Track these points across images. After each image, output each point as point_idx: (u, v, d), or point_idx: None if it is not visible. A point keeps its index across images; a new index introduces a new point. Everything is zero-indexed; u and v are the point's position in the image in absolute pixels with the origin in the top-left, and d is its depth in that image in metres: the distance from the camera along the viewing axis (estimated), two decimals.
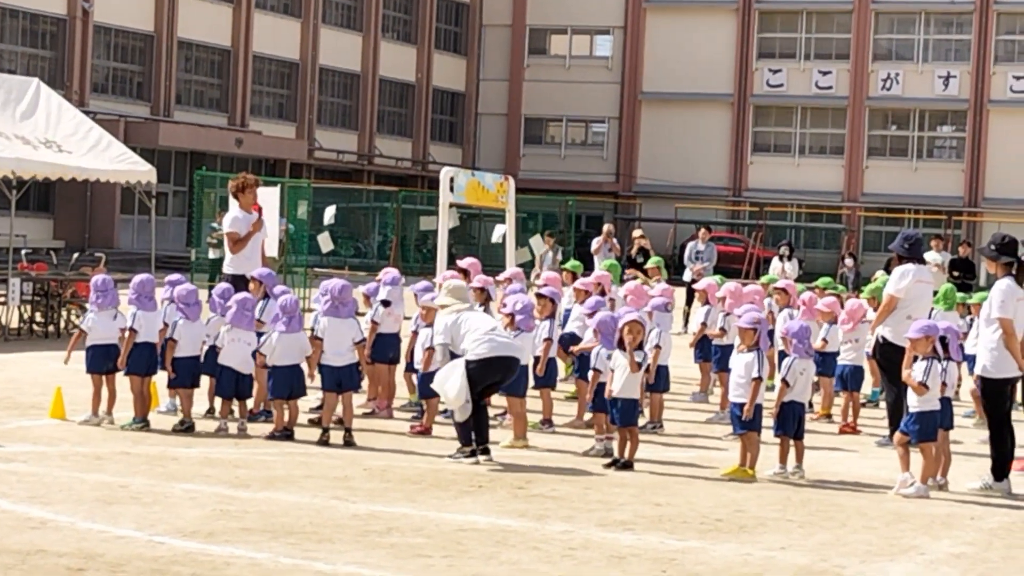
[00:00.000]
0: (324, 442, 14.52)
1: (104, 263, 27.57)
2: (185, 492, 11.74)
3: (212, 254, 32.95)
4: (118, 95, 57.25)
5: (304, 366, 14.90)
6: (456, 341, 14.09)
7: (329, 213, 35.96)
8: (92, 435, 14.58)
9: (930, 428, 13.18)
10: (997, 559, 10.66)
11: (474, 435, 13.96)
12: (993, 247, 14.13)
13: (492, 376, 13.94)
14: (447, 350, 14.19)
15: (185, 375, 15.13)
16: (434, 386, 14.20)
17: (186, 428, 14.94)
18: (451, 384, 13.75)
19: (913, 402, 13.23)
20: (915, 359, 13.32)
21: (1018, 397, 14.97)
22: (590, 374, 14.57)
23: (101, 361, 15.21)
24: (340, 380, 14.76)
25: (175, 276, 16.01)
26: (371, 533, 10.50)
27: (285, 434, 14.73)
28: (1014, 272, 13.98)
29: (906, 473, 13.16)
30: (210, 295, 16.43)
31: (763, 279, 22.59)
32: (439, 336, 14.30)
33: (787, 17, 71.01)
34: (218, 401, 15.45)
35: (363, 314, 16.65)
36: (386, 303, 16.87)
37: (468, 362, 13.79)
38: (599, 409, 14.50)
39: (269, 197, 24.61)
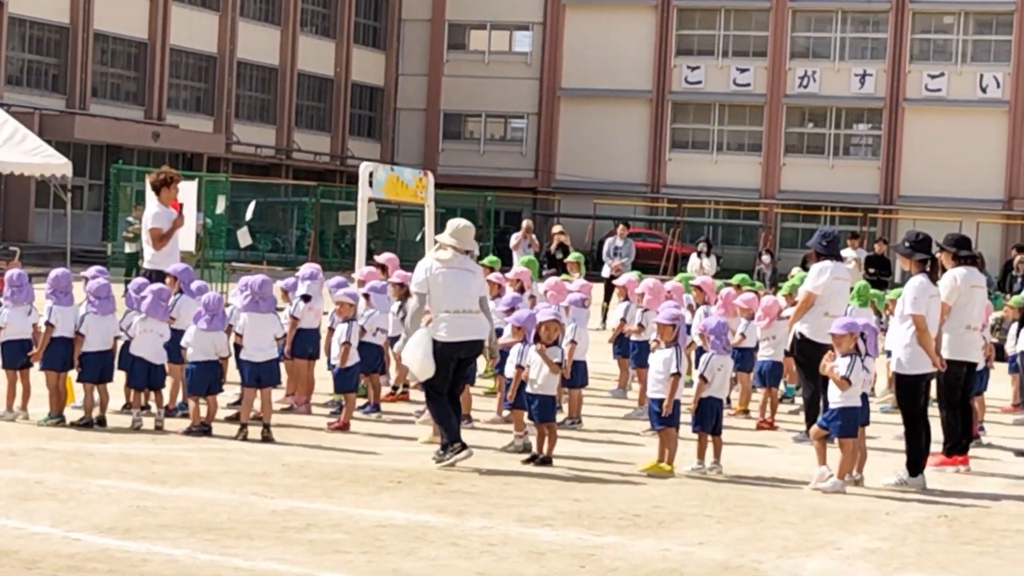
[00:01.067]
0: (242, 438, 14.45)
1: (18, 257, 27.31)
2: (101, 488, 11.64)
3: (128, 248, 32.76)
4: (33, 87, 56.72)
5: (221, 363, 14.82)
6: (431, 298, 13.51)
7: (250, 209, 35.80)
8: (7, 431, 14.43)
9: (851, 424, 13.28)
10: (912, 554, 10.76)
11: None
12: (907, 244, 14.26)
13: (457, 353, 13.58)
14: (421, 300, 13.61)
15: (93, 370, 14.95)
16: (402, 352, 13.76)
17: (85, 424, 14.78)
18: (415, 357, 13.42)
19: (835, 398, 13.33)
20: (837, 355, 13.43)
21: (932, 393, 15.09)
22: (512, 371, 14.55)
23: (16, 356, 15.06)
24: (259, 376, 14.70)
25: (93, 270, 15.85)
26: (289, 529, 10.45)
27: (202, 430, 14.64)
28: (928, 269, 14.12)
29: (823, 467, 13.26)
30: (126, 290, 16.30)
31: (680, 276, 22.69)
32: (419, 286, 13.59)
33: (705, 15, 71.35)
34: (131, 394, 15.34)
35: (282, 309, 16.58)
36: (306, 298, 16.80)
37: (435, 340, 13.41)
38: (518, 406, 14.50)
39: (187, 192, 24.44)
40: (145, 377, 14.99)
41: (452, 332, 13.45)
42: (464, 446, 13.41)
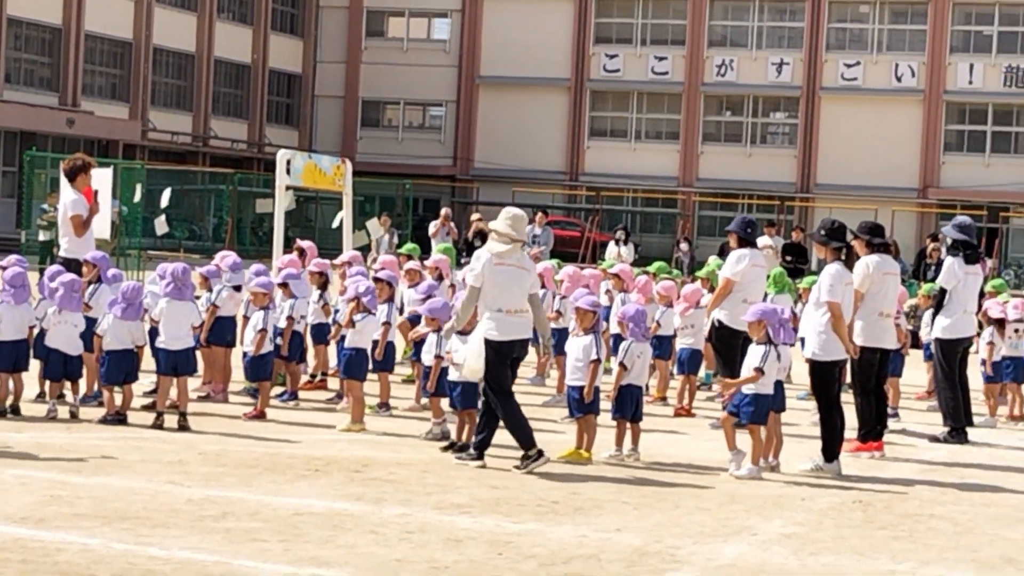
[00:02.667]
0: (158, 426, 14.35)
1: None
2: (15, 478, 11.52)
3: (42, 236, 32.44)
4: None
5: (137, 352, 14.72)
6: (484, 293, 13.06)
7: (165, 196, 35.52)
8: None
9: (763, 411, 13.37)
10: (827, 539, 10.84)
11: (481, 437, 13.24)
12: (823, 232, 14.37)
13: (512, 353, 13.18)
14: (472, 297, 13.15)
15: (7, 359, 14.79)
16: (455, 352, 13.39)
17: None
18: (467, 357, 13.09)
19: (748, 384, 13.41)
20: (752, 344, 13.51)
21: (847, 380, 15.23)
22: (430, 359, 14.55)
23: None
24: (176, 364, 14.61)
25: (13, 258, 15.67)
26: (206, 518, 10.39)
27: (118, 418, 14.54)
28: (843, 257, 14.23)
29: (735, 450, 13.34)
30: (40, 278, 16.15)
31: (601, 264, 22.74)
32: (475, 279, 13.12)
33: (624, 3, 71.50)
34: (47, 384, 15.21)
35: (199, 297, 16.47)
36: (238, 288, 16.74)
37: (487, 340, 13.01)
38: (437, 393, 14.50)
39: (102, 179, 24.23)
40: (61, 368, 14.85)
41: (505, 331, 13.00)
42: (541, 453, 12.93)
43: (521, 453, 13.01)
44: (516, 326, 13.06)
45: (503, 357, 13.02)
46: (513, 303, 13.04)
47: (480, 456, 13.15)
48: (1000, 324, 18.64)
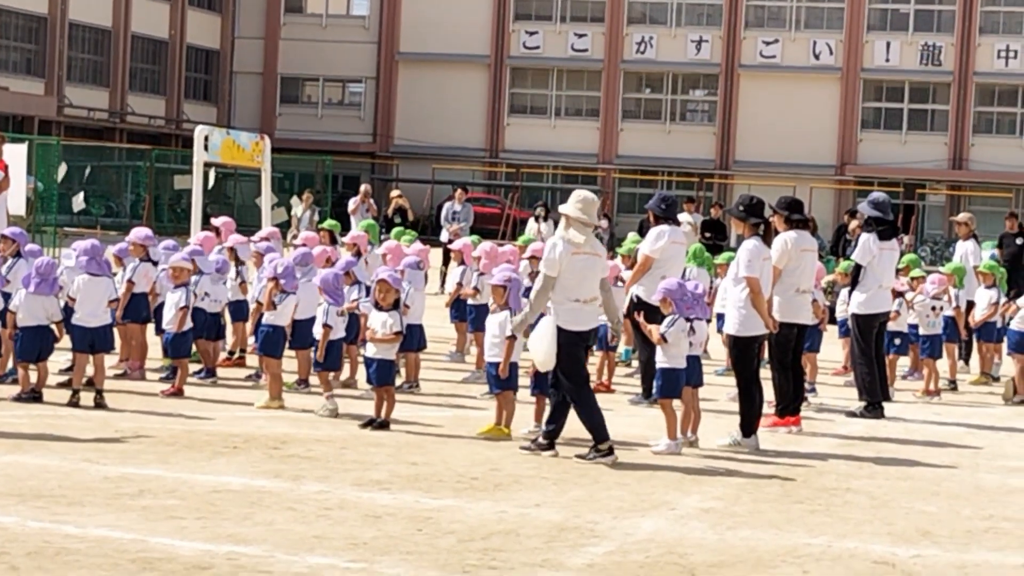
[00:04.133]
0: (74, 404, 14.23)
1: None
2: None
3: None
4: None
5: (54, 328, 14.58)
6: (560, 282, 12.69)
7: (61, 171, 35.02)
8: None
9: (673, 385, 13.40)
10: (744, 513, 10.90)
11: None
12: (741, 208, 14.42)
13: (584, 341, 12.92)
14: (548, 286, 12.72)
15: None
16: (529, 341, 12.97)
17: None
18: (541, 347, 12.71)
19: (660, 358, 13.46)
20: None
21: (765, 355, 15.32)
22: (319, 331, 14.57)
23: None
24: (93, 341, 14.48)
25: None
26: (123, 496, 10.32)
27: (33, 396, 14.40)
28: (761, 233, 14.30)
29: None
30: None
31: (520, 240, 22.73)
32: (550, 267, 12.71)
33: None
34: None
35: (116, 274, 16.33)
36: (155, 263, 16.66)
37: (561, 329, 12.65)
38: (327, 367, 14.53)
39: (16, 155, 24.00)
40: None
41: (580, 321, 12.73)
42: (612, 450, 12.62)
43: (591, 444, 12.76)
44: (590, 315, 12.85)
45: (577, 346, 12.76)
46: (589, 293, 12.79)
47: (551, 445, 12.88)
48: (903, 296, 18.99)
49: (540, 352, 12.74)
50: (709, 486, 11.94)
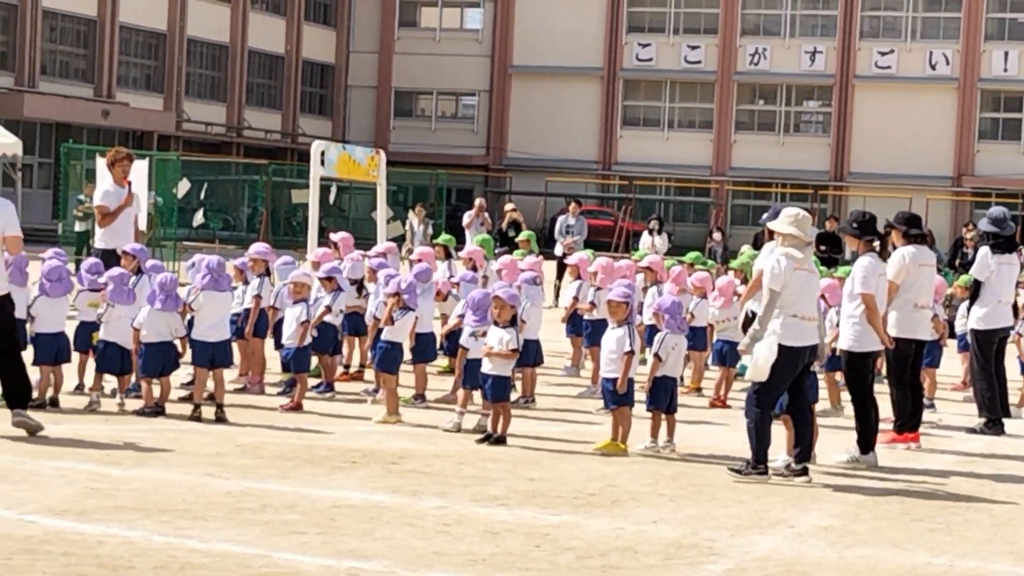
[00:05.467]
0: (196, 418, 14.43)
1: None
2: (55, 470, 11.60)
3: (79, 227, 32.57)
4: None
5: (177, 343, 14.79)
6: (782, 297, 12.56)
7: (182, 188, 35.50)
8: None
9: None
10: (864, 531, 10.85)
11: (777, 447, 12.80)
12: (854, 225, 14.36)
13: (802, 360, 12.74)
14: (774, 301, 12.61)
15: (47, 351, 14.87)
16: (753, 352, 12.74)
17: (38, 405, 14.72)
18: (761, 359, 12.57)
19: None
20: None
21: (882, 371, 15.23)
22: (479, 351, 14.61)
23: None
24: (213, 356, 14.66)
25: (51, 251, 15.75)
26: (244, 510, 10.45)
27: (156, 410, 14.62)
28: (875, 248, 14.23)
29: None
30: (77, 269, 16.24)
31: (635, 255, 22.73)
32: (775, 281, 12.61)
33: None
34: (89, 376, 15.30)
35: (235, 288, 16.53)
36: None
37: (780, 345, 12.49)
38: (470, 386, 14.54)
39: (138, 170, 24.35)
40: (118, 361, 14.90)
41: (800, 337, 12.61)
42: (765, 471, 12.58)
43: (747, 461, 12.73)
44: (809, 332, 12.76)
45: (794, 364, 12.67)
46: (808, 309, 12.74)
47: (805, 471, 12.75)
48: None
49: (758, 364, 12.62)
50: (828, 503, 11.88)
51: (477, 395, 14.59)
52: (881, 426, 14.37)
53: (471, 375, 14.41)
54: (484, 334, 14.30)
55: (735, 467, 12.73)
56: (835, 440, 14.57)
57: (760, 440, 12.62)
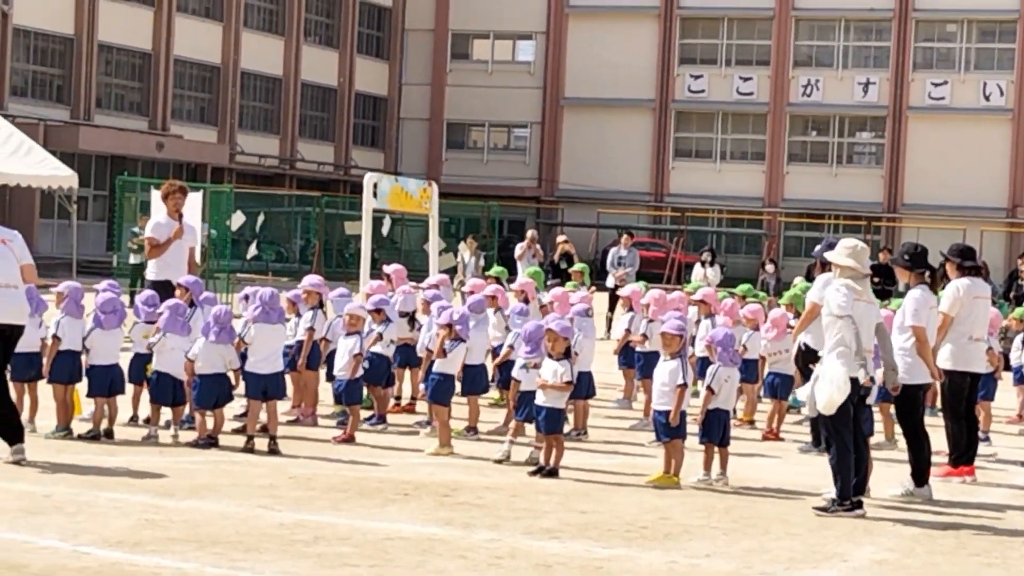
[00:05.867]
0: (249, 450, 14.48)
1: None
2: (109, 501, 11.66)
3: (133, 259, 32.79)
4: (38, 98, 56.79)
5: (231, 375, 14.85)
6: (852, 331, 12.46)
7: (236, 220, 35.70)
8: None
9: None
10: (918, 565, 10.78)
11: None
12: (906, 257, 14.31)
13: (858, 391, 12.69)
14: (853, 327, 12.54)
15: (102, 383, 14.96)
16: (824, 381, 12.69)
17: (92, 437, 14.81)
18: (834, 390, 12.49)
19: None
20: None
21: (938, 403, 15.15)
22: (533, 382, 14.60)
23: (24, 369, 15.04)
24: (266, 388, 14.70)
25: (105, 283, 15.85)
26: (297, 542, 10.47)
27: (209, 442, 14.67)
28: (927, 281, 14.17)
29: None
30: (132, 300, 16.33)
31: (687, 287, 22.69)
32: (844, 309, 12.54)
33: (708, 23, 71.41)
34: (145, 408, 15.38)
35: (288, 320, 16.60)
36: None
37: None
38: (524, 418, 14.52)
39: (192, 203, 24.48)
40: (171, 392, 14.97)
41: (856, 367, 12.56)
42: (858, 505, 12.52)
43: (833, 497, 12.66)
44: (868, 365, 12.74)
45: (851, 394, 12.58)
46: (867, 341, 12.72)
47: (859, 504, 12.64)
48: None
49: (825, 395, 12.57)
50: (882, 537, 11.81)
51: (530, 428, 14.58)
52: (936, 459, 14.30)
53: (524, 407, 14.42)
54: (536, 366, 14.30)
55: (820, 505, 12.65)
56: (890, 473, 14.49)
57: (844, 475, 12.54)
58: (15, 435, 13.26)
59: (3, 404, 13.32)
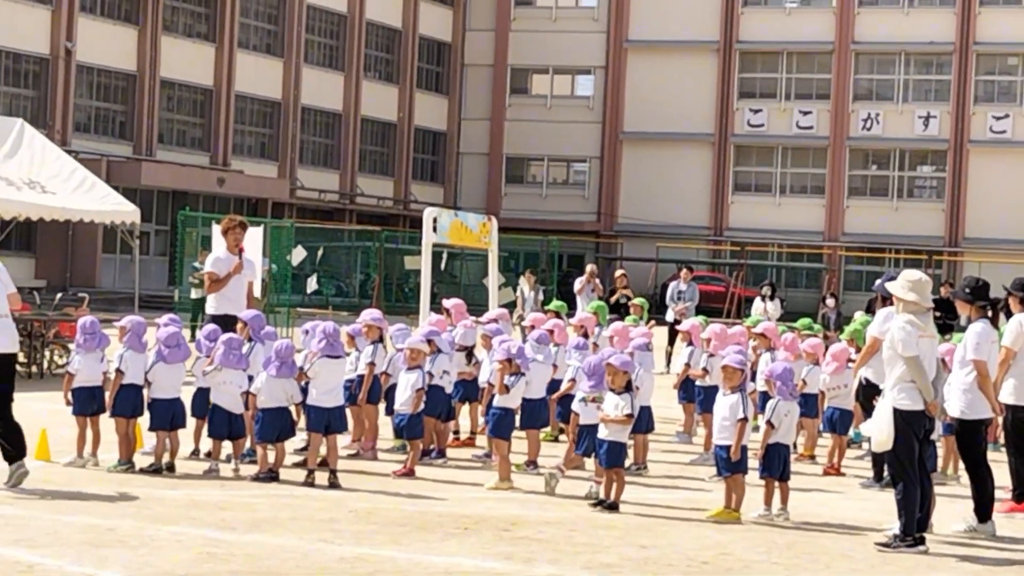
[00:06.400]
0: (309, 484, 14.52)
1: (87, 303, 27.58)
2: (171, 535, 11.72)
3: (194, 294, 32.97)
4: (100, 134, 57.30)
5: (292, 409, 14.91)
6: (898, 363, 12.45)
7: (298, 255, 35.86)
8: (77, 477, 14.56)
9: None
10: None
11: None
12: (967, 291, 14.24)
13: (923, 424, 12.64)
14: (920, 363, 12.52)
15: (163, 417, 15.05)
16: (873, 418, 12.80)
17: (154, 471, 14.90)
18: (882, 427, 12.53)
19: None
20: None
21: (1000, 438, 15.04)
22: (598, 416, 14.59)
23: (86, 403, 15.19)
24: (328, 422, 14.75)
25: (167, 318, 15.95)
26: None
27: (270, 476, 14.72)
28: (988, 315, 14.09)
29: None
30: (193, 335, 16.42)
31: (747, 321, 22.62)
32: (908, 348, 12.54)
33: (767, 57, 71.34)
34: (206, 442, 15.47)
35: (348, 354, 16.65)
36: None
37: (899, 410, 12.47)
38: (585, 452, 14.50)
39: (252, 238, 24.64)
40: (226, 427, 15.05)
41: (918, 401, 12.53)
42: (921, 541, 12.42)
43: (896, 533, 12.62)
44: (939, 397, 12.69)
45: (914, 429, 12.58)
46: (932, 377, 12.67)
47: (922, 540, 12.54)
48: None
49: (879, 432, 12.55)
50: (944, 574, 11.73)
51: (589, 462, 14.57)
52: (1000, 495, 14.20)
53: (583, 441, 14.41)
54: (595, 399, 14.30)
55: (882, 541, 12.58)
56: (953, 509, 14.39)
57: (909, 510, 12.47)
58: (16, 455, 13.51)
59: (7, 426, 13.62)
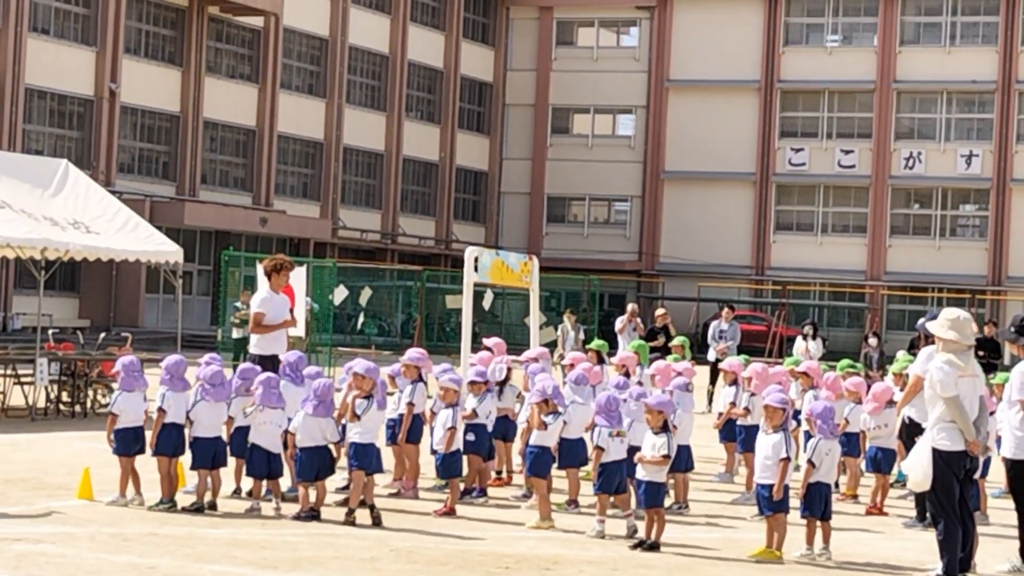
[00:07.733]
0: (350, 523, 14.54)
1: (130, 343, 27.71)
2: (213, 573, 11.75)
3: (236, 333, 33.09)
4: (144, 175, 57.63)
5: (332, 448, 14.94)
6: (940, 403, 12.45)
7: (340, 294, 35.97)
8: (120, 516, 14.62)
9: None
10: None
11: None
12: (1013, 329, 14.18)
13: (963, 463, 12.61)
14: (960, 404, 12.53)
15: (205, 456, 15.11)
16: (910, 459, 12.83)
17: (196, 509, 14.94)
18: (919, 467, 12.60)
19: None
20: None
21: None
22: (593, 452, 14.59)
23: (129, 443, 15.26)
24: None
25: (208, 356, 16.00)
26: None
27: (311, 515, 14.75)
28: None
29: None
30: (234, 375, 16.47)
31: (788, 361, 22.56)
32: (947, 388, 12.53)
33: (809, 96, 71.29)
34: (248, 481, 15.51)
35: (391, 394, 16.69)
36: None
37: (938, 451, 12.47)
38: (602, 490, 14.48)
39: (295, 277, 24.72)
40: (265, 466, 15.10)
41: (957, 441, 12.52)
42: None
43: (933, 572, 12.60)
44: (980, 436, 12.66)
45: (954, 469, 12.54)
46: (973, 416, 12.64)
47: None
48: None
49: (917, 472, 12.51)
50: None
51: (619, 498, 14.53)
52: None
53: (606, 480, 14.38)
54: (619, 434, 14.32)
55: None
56: (996, 548, 14.30)
57: (951, 551, 12.41)
58: None
59: None
